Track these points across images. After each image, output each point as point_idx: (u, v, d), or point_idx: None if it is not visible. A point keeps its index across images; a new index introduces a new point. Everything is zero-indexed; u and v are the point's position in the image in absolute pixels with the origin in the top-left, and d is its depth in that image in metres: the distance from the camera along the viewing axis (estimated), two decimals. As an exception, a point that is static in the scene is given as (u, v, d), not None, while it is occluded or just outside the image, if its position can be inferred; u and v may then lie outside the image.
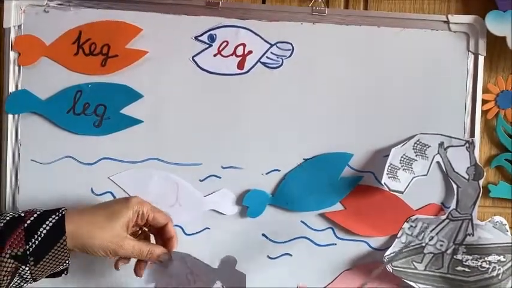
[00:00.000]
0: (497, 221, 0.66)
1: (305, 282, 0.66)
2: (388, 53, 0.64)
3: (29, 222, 0.49)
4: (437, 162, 0.65)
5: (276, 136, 0.65)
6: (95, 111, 0.63)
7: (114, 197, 0.64)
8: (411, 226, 0.65)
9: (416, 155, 0.65)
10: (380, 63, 0.64)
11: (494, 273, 0.65)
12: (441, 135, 0.65)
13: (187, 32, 0.63)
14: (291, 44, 0.64)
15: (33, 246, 0.48)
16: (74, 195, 0.63)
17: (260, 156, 0.65)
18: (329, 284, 0.66)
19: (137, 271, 0.57)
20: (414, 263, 0.66)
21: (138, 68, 0.63)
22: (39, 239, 0.49)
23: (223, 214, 0.65)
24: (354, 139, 0.65)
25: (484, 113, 0.66)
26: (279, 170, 0.65)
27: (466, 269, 0.65)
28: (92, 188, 0.64)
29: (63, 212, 0.51)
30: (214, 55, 0.63)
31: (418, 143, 0.65)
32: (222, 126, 0.64)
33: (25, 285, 0.51)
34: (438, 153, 0.65)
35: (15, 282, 0.50)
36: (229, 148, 0.65)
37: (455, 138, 0.65)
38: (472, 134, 0.65)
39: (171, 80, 0.64)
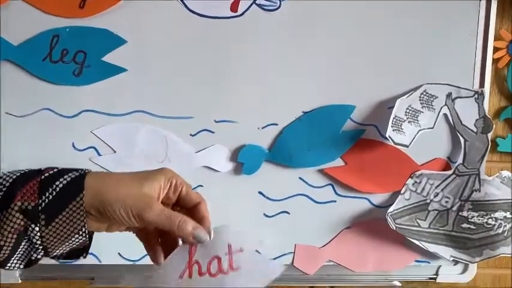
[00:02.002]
0: (505, 176, 0.63)
1: (303, 241, 0.64)
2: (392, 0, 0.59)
3: (46, 175, 0.41)
4: (444, 114, 0.62)
5: (273, 87, 0.60)
6: (74, 58, 0.58)
7: (98, 152, 0.59)
8: (415, 182, 0.62)
9: (422, 107, 0.61)
10: (386, 6, 0.59)
11: (500, 230, 0.63)
12: (449, 85, 0.61)
13: (175, -30, 0.57)
14: (289, -15, 0.58)
15: (46, 201, 0.40)
16: (54, 151, 0.59)
17: (256, 109, 0.61)
18: (328, 242, 0.64)
19: (158, 257, 0.46)
20: (418, 220, 0.63)
21: (121, 11, 0.57)
22: (54, 193, 0.41)
23: (217, 171, 0.62)
24: (356, 90, 0.61)
25: (495, 61, 0.62)
26: (276, 124, 0.61)
27: (472, 226, 0.63)
28: (73, 143, 0.59)
29: (87, 171, 0.43)
30: (205, -4, 0.58)
31: (424, 93, 0.61)
32: (214, 75, 0.60)
33: (34, 255, 0.42)
34: (445, 104, 0.61)
35: (23, 248, 0.42)
36: (223, 100, 0.60)
37: (463, 88, 0.61)
38: (482, 84, 0.62)
39: (157, 24, 0.58)
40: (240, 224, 0.60)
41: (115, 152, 0.60)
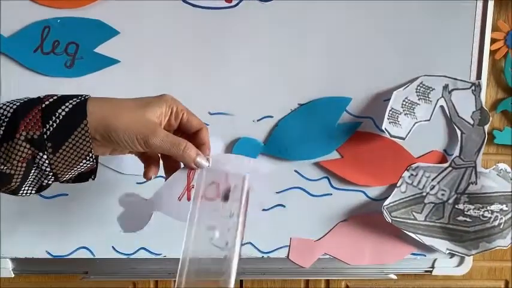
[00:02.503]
0: (501, 169, 0.62)
1: (299, 234, 0.63)
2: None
3: (47, 103, 0.41)
4: (441, 107, 0.61)
5: (268, 79, 0.59)
6: (66, 49, 0.57)
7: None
8: (412, 175, 0.62)
9: (419, 99, 0.60)
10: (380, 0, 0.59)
11: (496, 223, 0.63)
12: (446, 77, 0.60)
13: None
14: (285, -25, 0.57)
15: (51, 129, 0.41)
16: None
17: (251, 101, 0.60)
18: (324, 235, 0.63)
19: (148, 172, 0.48)
20: (414, 213, 0.62)
21: (113, 1, 0.56)
22: (57, 121, 0.41)
23: (211, 164, 0.61)
24: (352, 82, 0.60)
25: (492, 53, 0.61)
26: (272, 117, 0.60)
27: (468, 219, 0.63)
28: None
29: (87, 97, 0.43)
30: (199, -14, 0.57)
31: (421, 85, 0.60)
32: (208, 67, 0.59)
33: (45, 181, 0.43)
34: (442, 96, 0.61)
35: (33, 175, 0.43)
36: (217, 92, 0.59)
37: (460, 80, 0.60)
38: (479, 76, 0.61)
39: (151, 15, 0.57)
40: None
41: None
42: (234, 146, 0.60)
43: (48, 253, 0.61)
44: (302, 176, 0.62)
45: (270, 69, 0.59)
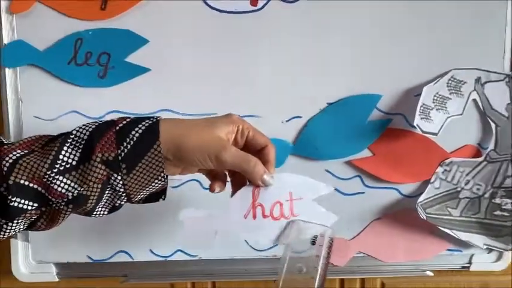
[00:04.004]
0: (539, 161, 0.61)
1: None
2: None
3: (120, 125, 0.43)
4: (474, 100, 0.60)
5: (295, 79, 0.59)
6: (98, 60, 0.58)
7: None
8: (445, 170, 0.61)
9: (450, 93, 0.59)
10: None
11: (535, 217, 0.61)
12: (478, 69, 0.59)
13: (194, -33, 0.57)
14: (309, -26, 0.57)
15: (125, 150, 0.42)
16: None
17: (279, 103, 0.60)
18: (358, 234, 0.63)
19: (213, 185, 0.48)
20: (449, 209, 0.62)
21: (142, 10, 0.57)
22: (131, 142, 0.42)
23: (243, 166, 0.61)
24: (381, 78, 0.59)
25: (526, 42, 0.59)
26: (300, 117, 0.60)
27: (505, 213, 0.61)
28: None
29: (158, 118, 0.44)
30: (225, -9, 0.57)
31: (452, 79, 0.59)
32: (236, 70, 0.59)
33: (118, 202, 0.45)
34: (474, 89, 0.59)
35: (107, 195, 0.44)
36: (246, 95, 0.60)
37: (493, 72, 0.59)
38: (513, 67, 0.59)
39: (178, 22, 0.58)
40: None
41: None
42: (265, 148, 0.60)
43: (89, 257, 0.63)
44: (334, 175, 0.62)
45: (298, 69, 0.59)
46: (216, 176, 0.49)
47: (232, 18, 0.58)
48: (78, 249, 0.63)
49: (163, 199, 0.49)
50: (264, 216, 0.47)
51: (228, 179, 0.49)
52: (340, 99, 0.60)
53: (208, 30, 0.58)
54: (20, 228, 0.44)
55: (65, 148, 0.42)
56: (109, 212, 0.47)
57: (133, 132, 0.42)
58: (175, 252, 0.63)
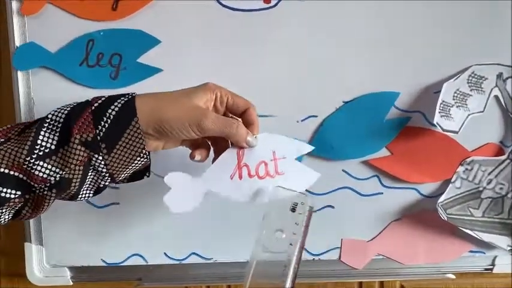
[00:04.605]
0: None
1: (350, 235, 0.62)
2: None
3: (96, 105, 0.43)
4: (495, 97, 0.58)
5: (311, 78, 0.58)
6: (110, 61, 0.58)
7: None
8: (466, 169, 0.59)
9: (471, 90, 0.57)
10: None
11: (561, 217, 0.59)
12: (499, 64, 0.57)
13: (205, -35, 0.56)
14: (324, -31, 0.56)
15: (103, 130, 0.42)
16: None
17: (294, 102, 0.59)
18: (376, 236, 0.62)
19: (193, 152, 0.48)
20: (471, 209, 0.60)
21: (153, 10, 0.56)
22: (109, 121, 0.42)
23: (257, 167, 0.60)
24: (399, 75, 0.58)
25: (550, 36, 0.57)
26: (316, 116, 0.59)
27: (529, 214, 0.59)
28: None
29: (134, 94, 0.44)
30: (237, -11, 0.56)
31: (473, 75, 0.57)
32: (250, 70, 0.58)
33: (102, 183, 0.45)
34: (496, 86, 0.58)
35: (90, 177, 0.44)
36: (260, 94, 0.58)
37: (516, 67, 0.57)
38: (536, 62, 0.57)
39: (190, 21, 0.57)
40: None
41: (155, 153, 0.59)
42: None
43: (103, 261, 0.63)
44: (350, 175, 0.60)
45: (312, 67, 0.58)
46: (198, 147, 0.49)
47: (245, 16, 0.57)
48: (92, 253, 0.62)
49: (148, 176, 0.49)
50: (250, 176, 0.48)
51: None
52: (356, 97, 0.58)
53: (221, 29, 0.57)
54: (5, 219, 0.44)
55: (42, 133, 0.42)
56: (94, 194, 0.46)
57: (109, 111, 0.42)
58: (190, 255, 0.62)
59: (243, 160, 0.48)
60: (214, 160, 0.48)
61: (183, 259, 0.62)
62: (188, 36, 0.57)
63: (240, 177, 0.48)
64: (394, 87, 0.58)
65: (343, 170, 0.60)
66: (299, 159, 0.59)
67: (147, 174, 0.48)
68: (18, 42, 0.57)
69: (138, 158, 0.44)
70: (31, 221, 0.61)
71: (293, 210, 0.46)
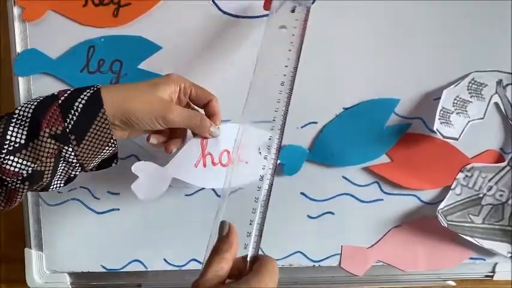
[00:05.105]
0: None
1: (350, 241, 0.62)
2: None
3: (62, 98, 0.44)
4: (495, 103, 0.58)
5: (310, 84, 0.58)
6: (111, 68, 0.58)
7: (138, 159, 0.59)
8: (466, 176, 0.59)
9: (471, 96, 0.58)
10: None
11: (561, 223, 0.59)
12: (499, 71, 0.57)
13: (206, -29, 0.56)
14: (325, -24, 0.56)
15: (72, 122, 0.43)
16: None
17: (294, 108, 0.58)
18: (376, 242, 0.62)
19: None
20: (471, 216, 0.60)
21: (154, 16, 0.57)
22: (76, 114, 0.43)
23: (258, 173, 0.60)
24: (399, 82, 0.58)
25: (549, 43, 0.58)
26: (316, 122, 0.59)
27: (530, 220, 0.59)
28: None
29: (99, 86, 0.45)
30: (237, -5, 0.57)
31: (472, 82, 0.57)
32: (250, 75, 0.58)
33: (73, 173, 0.46)
34: (496, 92, 0.58)
35: (61, 168, 0.45)
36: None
37: (516, 74, 0.57)
38: (536, 69, 0.58)
39: (191, 27, 0.57)
40: (283, 226, 0.60)
41: (154, 156, 0.59)
42: (280, 154, 0.59)
43: (103, 267, 0.63)
44: (351, 182, 0.60)
45: (312, 74, 0.58)
46: (158, 133, 0.50)
47: (245, 22, 0.57)
48: (92, 259, 0.62)
49: (116, 163, 0.50)
50: (214, 164, 0.51)
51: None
52: (356, 104, 0.58)
53: (222, 35, 0.57)
54: None
55: (11, 128, 0.42)
56: (65, 184, 0.48)
57: (76, 104, 0.43)
58: (190, 261, 0.62)
59: (207, 149, 0.51)
60: (167, 148, 0.50)
61: (182, 265, 0.62)
62: (189, 42, 0.57)
63: (204, 165, 0.51)
64: (394, 94, 0.58)
65: (343, 177, 0.60)
66: (299, 163, 0.60)
67: (116, 161, 0.50)
68: (19, 48, 0.58)
69: (107, 147, 0.45)
70: (31, 227, 0.62)
71: (293, 11, 0.51)
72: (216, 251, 0.39)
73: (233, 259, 0.39)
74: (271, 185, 0.45)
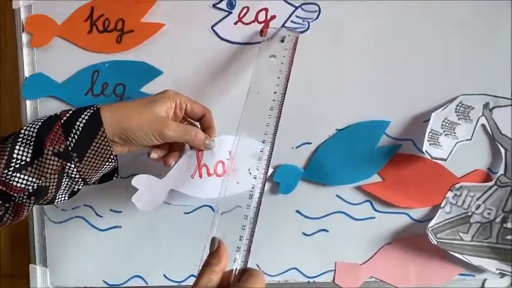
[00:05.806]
0: (550, 185, 0.61)
1: (344, 258, 0.63)
2: (423, 9, 0.58)
3: (64, 118, 0.47)
4: (482, 125, 0.60)
5: (304, 106, 0.61)
6: (114, 91, 0.60)
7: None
8: (455, 195, 0.61)
9: (459, 119, 0.60)
10: (415, 20, 0.59)
11: (548, 241, 0.61)
12: (486, 95, 0.59)
13: (205, 0, 0.59)
14: (317, 5, 0.59)
15: (73, 141, 0.46)
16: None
17: (289, 129, 0.61)
18: (369, 259, 0.63)
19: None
20: (460, 233, 0.62)
21: (156, 43, 0.60)
22: (78, 133, 0.46)
23: (254, 191, 0.62)
24: (390, 105, 0.60)
25: (534, 67, 0.60)
26: (310, 143, 0.61)
27: (517, 238, 0.61)
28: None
29: (98, 106, 0.48)
30: (235, 23, 0.59)
31: (460, 105, 0.60)
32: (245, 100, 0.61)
33: (76, 187, 0.49)
34: (483, 115, 0.60)
35: (65, 183, 0.48)
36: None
37: (501, 97, 0.59)
38: (521, 92, 0.60)
39: (191, 53, 0.60)
40: (279, 243, 0.62)
41: (161, 175, 0.61)
42: (275, 173, 0.61)
43: (105, 282, 0.65)
44: (344, 200, 0.62)
45: (307, 96, 0.60)
46: (158, 147, 0.53)
47: (242, 48, 0.60)
48: (95, 274, 0.64)
49: (117, 177, 0.53)
50: (209, 174, 0.54)
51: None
52: (349, 125, 0.61)
53: (220, 61, 0.60)
54: None
55: (17, 147, 0.45)
56: (69, 197, 0.51)
57: (78, 123, 0.46)
58: (189, 277, 0.64)
59: (203, 161, 0.54)
60: (167, 161, 0.53)
61: (181, 281, 0.64)
62: (189, 67, 0.60)
63: (200, 176, 0.54)
64: (385, 116, 0.60)
65: (336, 195, 0.62)
66: (294, 182, 0.62)
67: (116, 175, 0.53)
68: (27, 73, 0.60)
69: (107, 163, 0.48)
70: (36, 243, 0.64)
71: (282, 41, 0.55)
72: (207, 264, 0.42)
73: (222, 272, 0.42)
74: (259, 203, 0.47)
